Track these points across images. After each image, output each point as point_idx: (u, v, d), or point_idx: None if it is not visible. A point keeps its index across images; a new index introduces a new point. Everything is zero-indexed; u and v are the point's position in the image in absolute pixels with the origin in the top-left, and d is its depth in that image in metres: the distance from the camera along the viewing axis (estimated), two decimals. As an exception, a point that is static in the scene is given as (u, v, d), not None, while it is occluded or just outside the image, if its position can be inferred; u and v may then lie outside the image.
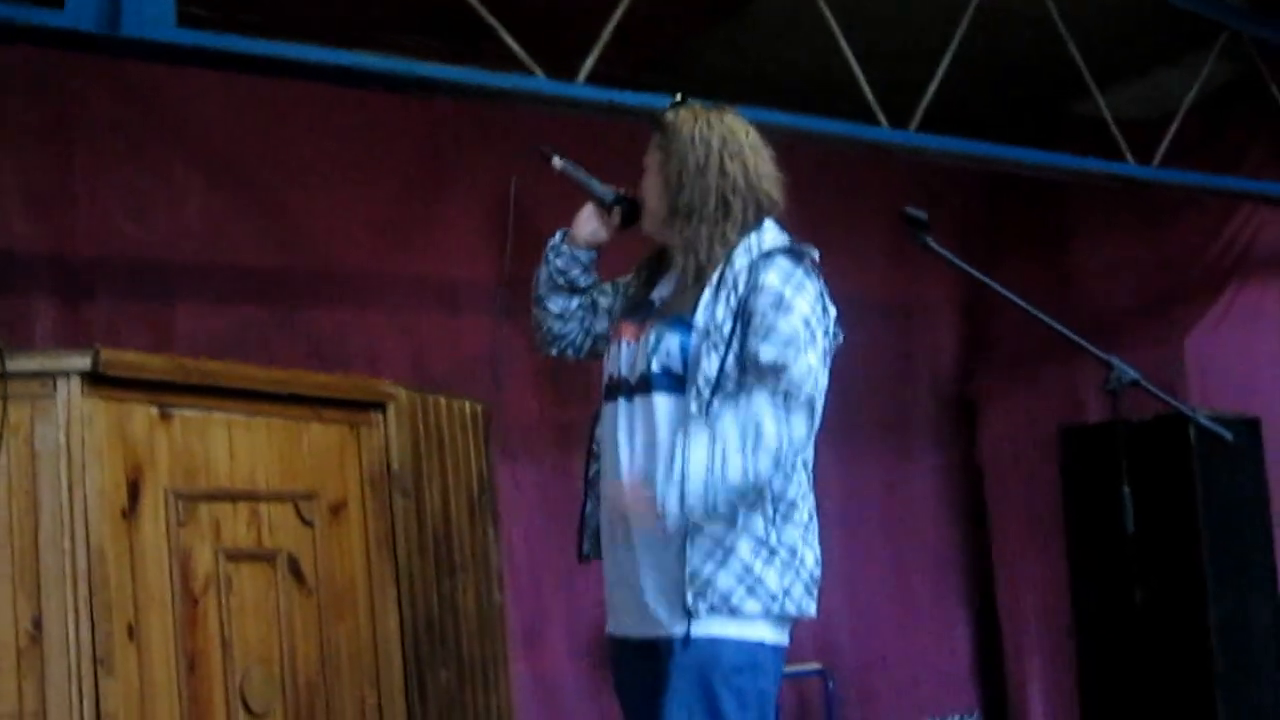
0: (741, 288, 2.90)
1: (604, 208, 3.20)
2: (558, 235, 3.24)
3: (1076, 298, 6.83)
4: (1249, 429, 6.10)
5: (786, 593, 2.87)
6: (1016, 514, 6.98)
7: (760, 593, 2.84)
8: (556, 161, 3.23)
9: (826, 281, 2.99)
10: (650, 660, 2.93)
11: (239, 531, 3.32)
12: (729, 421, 2.80)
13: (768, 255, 2.93)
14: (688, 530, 2.84)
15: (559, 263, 3.22)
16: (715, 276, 2.94)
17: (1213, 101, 6.24)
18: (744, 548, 2.85)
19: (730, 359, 2.88)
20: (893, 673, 6.91)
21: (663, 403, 2.94)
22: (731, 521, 2.83)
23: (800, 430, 2.81)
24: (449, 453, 4.10)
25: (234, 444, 3.33)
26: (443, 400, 4.10)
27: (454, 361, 5.52)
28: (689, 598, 2.82)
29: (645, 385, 2.97)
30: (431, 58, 4.37)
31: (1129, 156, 5.71)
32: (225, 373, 3.36)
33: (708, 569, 2.83)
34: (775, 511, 2.88)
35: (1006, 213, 7.30)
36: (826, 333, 2.93)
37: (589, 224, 3.22)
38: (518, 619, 5.44)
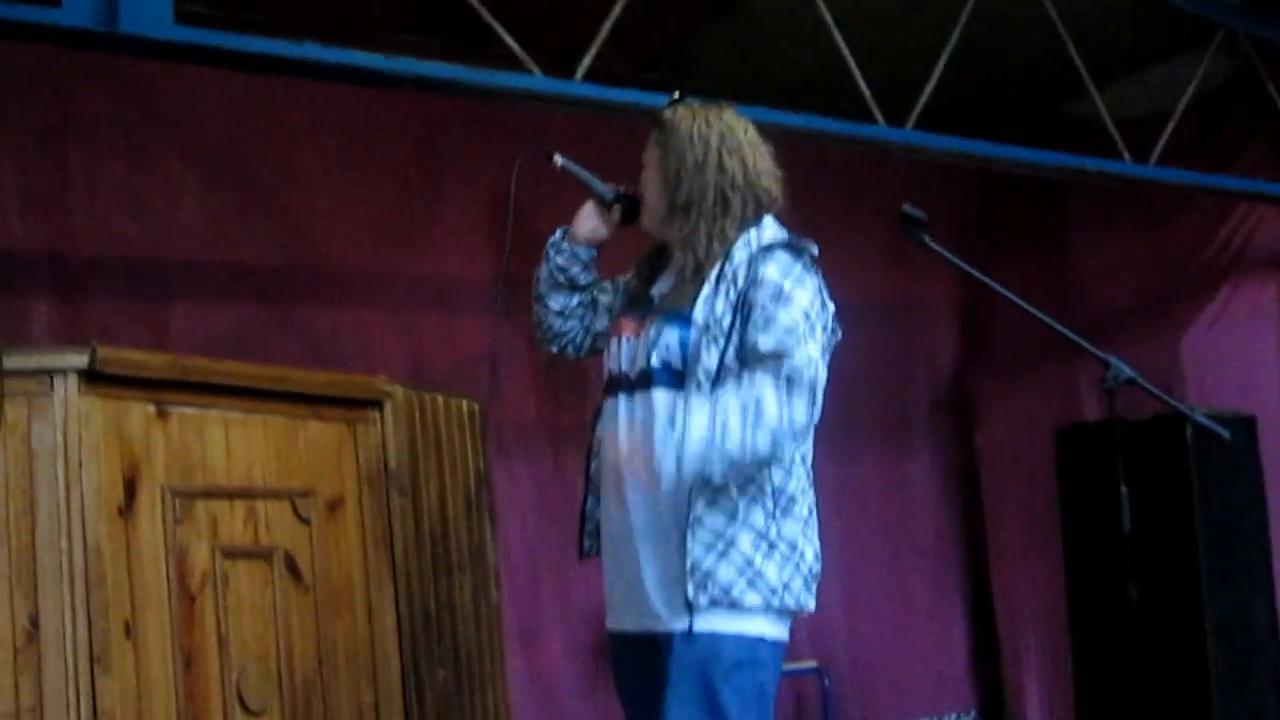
0: (741, 281, 2.91)
1: (604, 205, 3.22)
2: (558, 233, 3.25)
3: (1073, 297, 6.82)
4: (1246, 427, 6.10)
5: (786, 586, 2.88)
6: (1014, 513, 6.98)
7: (760, 586, 2.85)
8: (558, 159, 3.24)
9: (825, 280, 3.00)
10: (650, 656, 2.94)
11: (236, 529, 3.32)
12: (730, 396, 2.81)
13: (767, 249, 2.95)
14: (688, 522, 2.85)
15: (559, 260, 3.23)
16: (715, 271, 2.96)
17: (1209, 100, 6.24)
18: (744, 541, 2.86)
19: (730, 352, 2.89)
20: (889, 671, 6.91)
21: (662, 398, 2.95)
22: (725, 494, 2.84)
23: (800, 414, 2.81)
24: (446, 451, 4.10)
25: (231, 442, 3.34)
26: (440, 399, 4.10)
27: (451, 360, 5.52)
28: (690, 590, 2.83)
29: (645, 380, 2.98)
30: (430, 56, 4.37)
31: (1126, 155, 5.71)
32: (222, 371, 3.36)
33: (709, 561, 2.84)
34: (775, 505, 2.89)
35: (1004, 212, 7.30)
36: (825, 328, 2.94)
37: (589, 221, 3.23)
38: (514, 617, 5.44)
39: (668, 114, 3.11)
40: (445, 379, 5.04)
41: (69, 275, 4.85)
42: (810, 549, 2.96)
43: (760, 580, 2.85)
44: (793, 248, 2.96)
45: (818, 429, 3.05)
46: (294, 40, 3.95)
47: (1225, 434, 3.51)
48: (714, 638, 2.85)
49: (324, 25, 4.63)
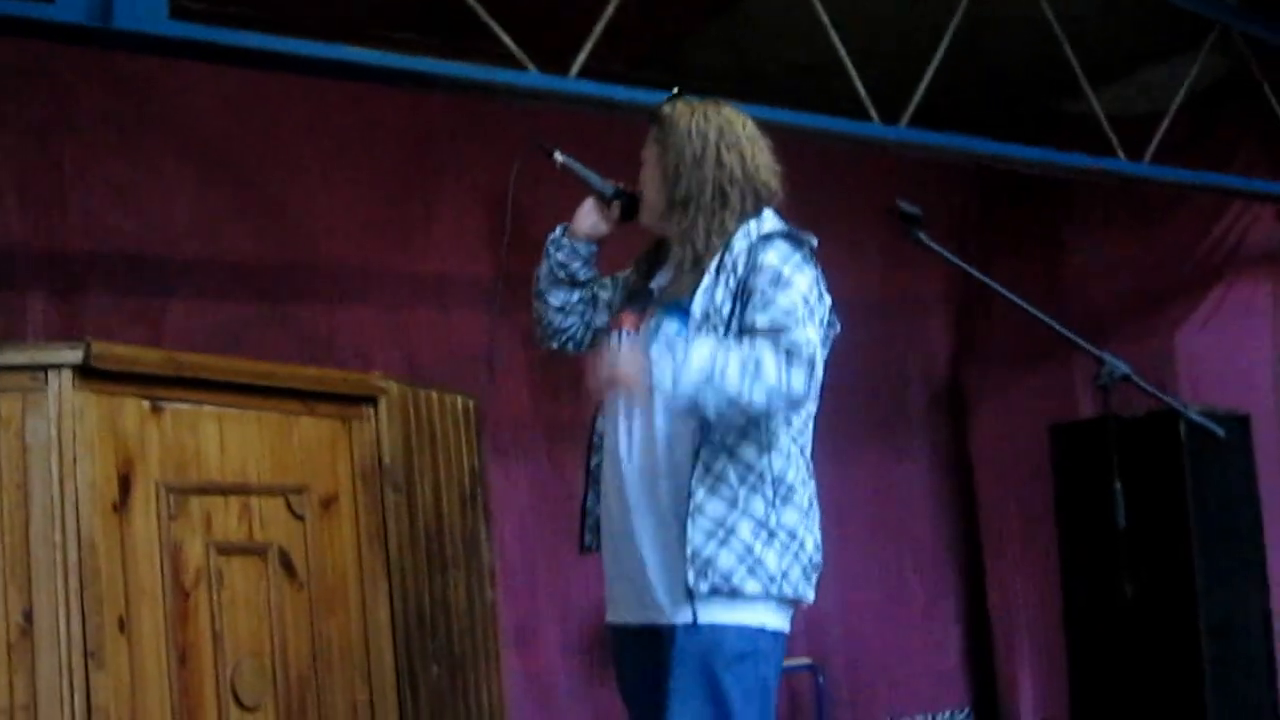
0: (741, 269, 2.93)
1: (604, 201, 3.23)
2: (558, 229, 3.26)
3: (1068, 294, 6.83)
4: (1239, 425, 6.11)
5: (785, 575, 2.89)
6: (1008, 510, 6.99)
7: (760, 573, 2.86)
8: (558, 156, 3.25)
9: (822, 274, 3.01)
10: (651, 648, 2.95)
11: (230, 525, 3.32)
12: (732, 350, 2.81)
13: (767, 237, 2.97)
14: (688, 510, 2.86)
15: (560, 256, 3.24)
16: (714, 262, 2.97)
17: (1204, 98, 6.24)
18: (745, 528, 2.87)
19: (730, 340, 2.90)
20: (884, 668, 6.91)
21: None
22: (705, 414, 2.82)
23: (798, 384, 2.80)
24: (441, 447, 4.10)
25: (225, 437, 3.34)
26: (435, 395, 4.10)
27: (446, 357, 5.52)
28: (690, 577, 2.84)
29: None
30: (425, 53, 4.37)
31: (1120, 153, 5.71)
32: (216, 366, 3.36)
33: (709, 549, 2.85)
34: (775, 494, 2.90)
35: (999, 210, 7.30)
36: (824, 320, 2.95)
37: (589, 218, 3.24)
38: (509, 614, 5.44)
39: (666, 110, 3.12)
40: (440, 375, 5.04)
41: (64, 271, 4.85)
42: (810, 539, 2.97)
43: (760, 568, 2.86)
44: (792, 238, 2.98)
45: (815, 424, 3.06)
46: (289, 36, 3.95)
47: (1220, 431, 3.52)
48: (715, 629, 2.86)
49: (320, 22, 4.63)
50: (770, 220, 3.05)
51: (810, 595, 2.98)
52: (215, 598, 3.25)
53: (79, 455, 2.98)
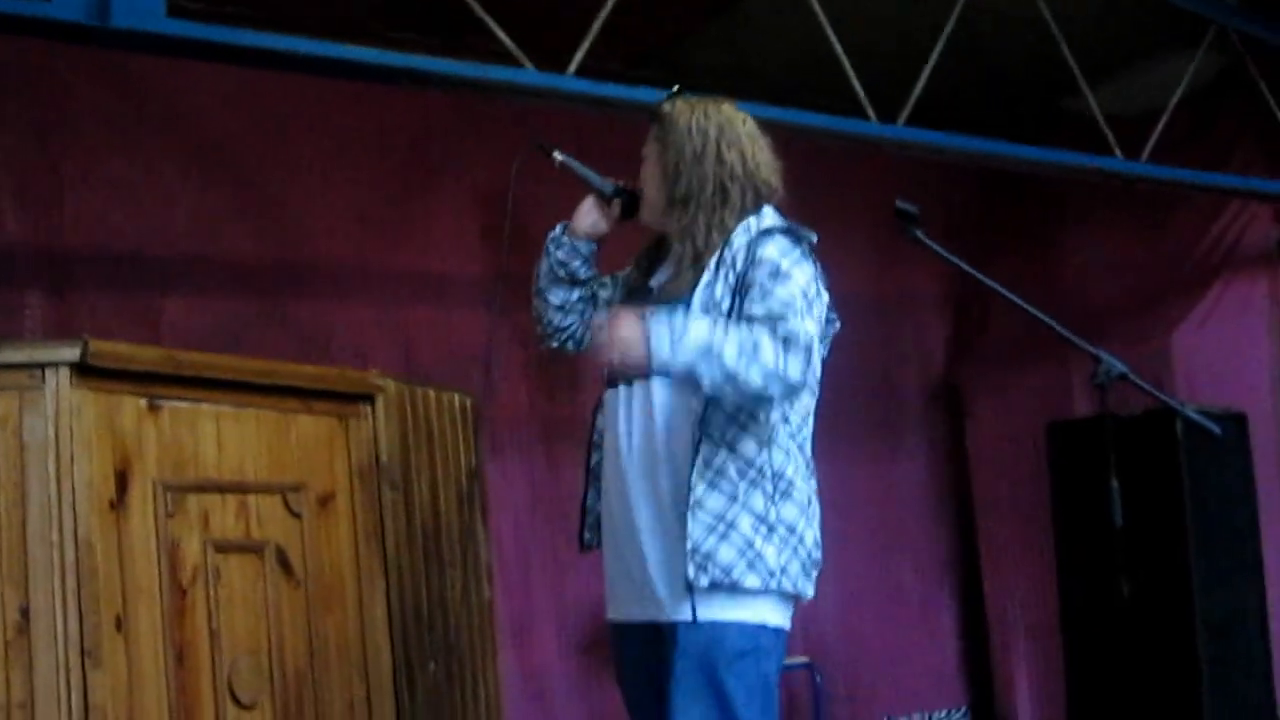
0: (740, 264, 2.94)
1: (604, 200, 3.23)
2: (558, 228, 3.27)
3: (1065, 293, 6.83)
4: (1236, 424, 6.12)
5: (784, 570, 2.90)
6: (1005, 508, 6.99)
7: (760, 568, 2.87)
8: (557, 155, 3.26)
9: (822, 271, 3.02)
10: (652, 645, 2.96)
11: (227, 523, 3.32)
12: (731, 329, 2.82)
13: (766, 232, 2.98)
14: (688, 504, 2.86)
15: (560, 254, 3.24)
16: (714, 259, 2.97)
17: (1201, 97, 6.25)
18: (744, 523, 2.87)
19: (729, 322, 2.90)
20: (881, 667, 6.92)
21: (662, 386, 2.97)
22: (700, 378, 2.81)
23: (795, 371, 2.80)
24: (438, 445, 4.10)
25: (222, 435, 3.34)
26: (432, 393, 4.10)
27: (443, 354, 5.52)
28: (690, 571, 2.84)
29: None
30: (423, 51, 4.37)
31: (1118, 152, 5.71)
32: (214, 364, 3.36)
33: (709, 543, 2.85)
34: (775, 489, 2.91)
35: (996, 209, 7.31)
36: (822, 316, 2.95)
37: (589, 216, 3.25)
38: (506, 612, 5.44)
39: (666, 108, 3.13)
40: (438, 374, 5.05)
41: (61, 269, 4.85)
42: (810, 534, 2.98)
43: (760, 562, 2.87)
44: (792, 233, 2.99)
45: (815, 421, 3.07)
46: (287, 34, 3.95)
47: (1216, 430, 3.52)
48: (716, 626, 2.87)
49: (318, 20, 4.63)
50: (770, 216, 3.06)
51: (809, 591, 2.98)
52: (212, 596, 3.25)
53: (76, 453, 2.98)
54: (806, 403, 3.02)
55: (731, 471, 2.88)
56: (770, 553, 2.88)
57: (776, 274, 2.89)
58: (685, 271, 3.02)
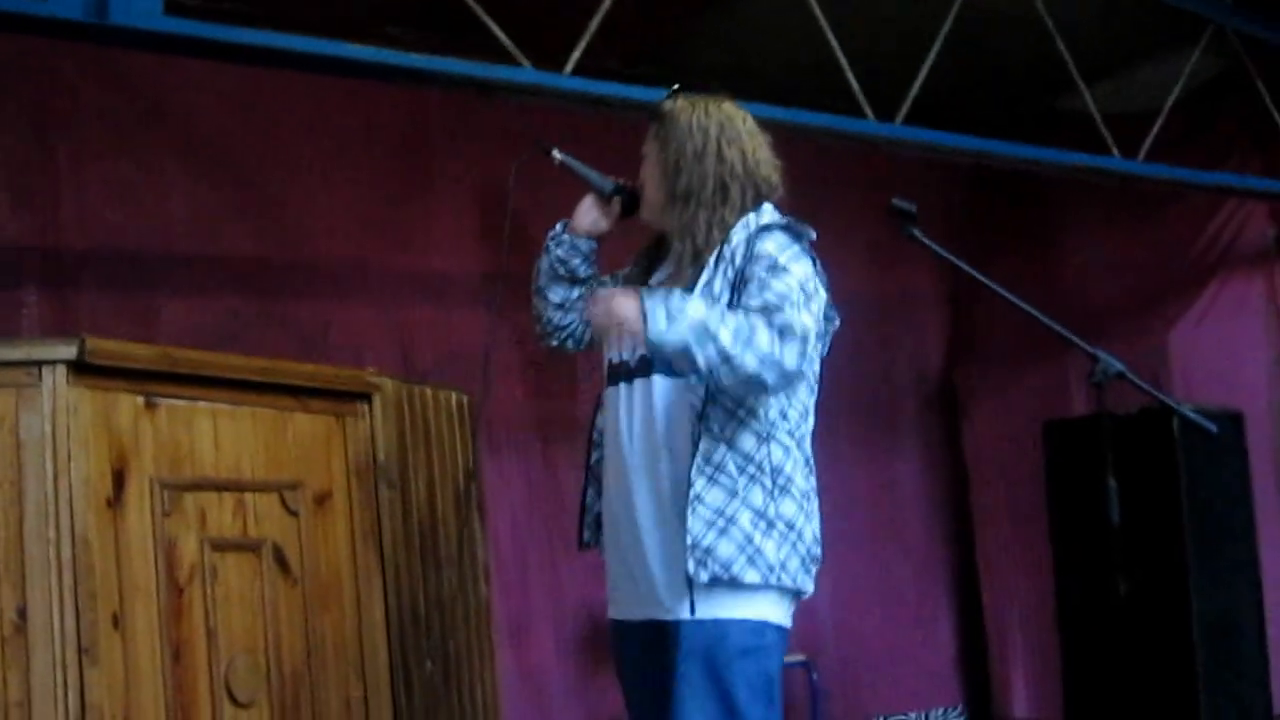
0: (739, 260, 2.94)
1: (604, 198, 3.23)
2: (558, 226, 3.27)
3: (1062, 292, 6.84)
4: (1233, 423, 6.12)
5: (783, 565, 2.90)
6: (1001, 507, 7.00)
7: (760, 563, 2.87)
8: (556, 154, 3.26)
9: (821, 269, 3.02)
10: (654, 643, 2.96)
11: (224, 521, 3.31)
12: (728, 314, 2.81)
13: (766, 228, 2.98)
14: (688, 499, 2.86)
15: (560, 252, 3.24)
16: (714, 256, 2.97)
17: (1198, 96, 6.25)
18: (744, 518, 2.87)
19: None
20: (877, 666, 6.92)
21: (662, 383, 2.97)
22: (694, 363, 2.79)
23: (791, 360, 2.79)
24: (435, 444, 4.10)
25: (219, 434, 3.33)
26: (429, 391, 4.10)
27: (441, 353, 5.53)
28: (690, 567, 2.84)
29: (645, 368, 3.02)
30: (419, 49, 4.37)
31: (1115, 151, 5.72)
32: (211, 362, 3.35)
33: (709, 538, 2.85)
34: (774, 484, 2.91)
35: (993, 208, 7.31)
36: (821, 314, 2.95)
37: (589, 214, 3.25)
38: (503, 611, 5.45)
39: (667, 106, 3.13)
40: (435, 372, 5.05)
41: (58, 267, 4.85)
42: (810, 530, 2.98)
43: (760, 557, 2.87)
44: (791, 229, 2.99)
45: (815, 418, 3.07)
46: (285, 32, 3.95)
47: (1213, 429, 3.52)
48: (719, 624, 2.87)
49: (316, 18, 4.63)
50: (769, 213, 3.06)
51: (809, 587, 2.99)
52: (209, 594, 3.24)
53: (73, 451, 2.97)
54: (805, 399, 3.02)
55: (731, 467, 2.89)
56: (770, 548, 2.89)
57: (774, 268, 2.89)
58: (685, 269, 3.02)
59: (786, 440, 2.95)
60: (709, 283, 2.96)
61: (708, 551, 2.85)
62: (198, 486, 3.26)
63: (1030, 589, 6.71)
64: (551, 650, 5.87)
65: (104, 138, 4.95)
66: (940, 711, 7.16)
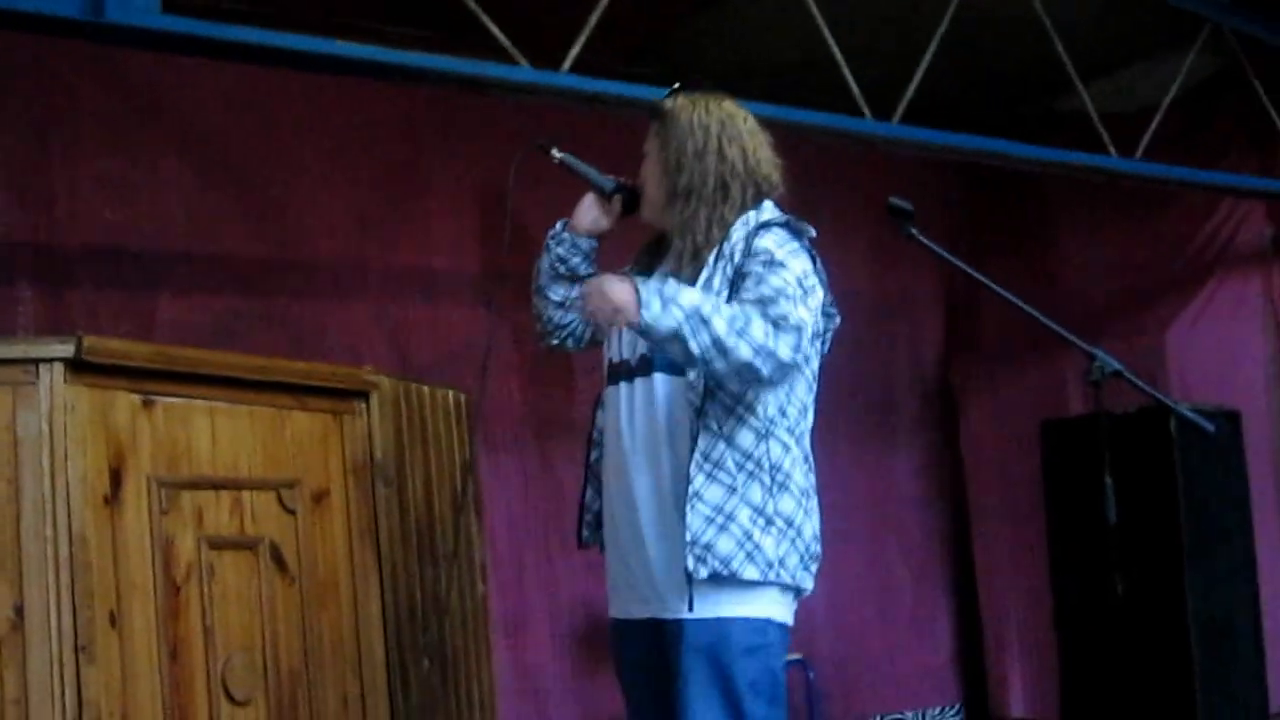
0: (738, 257, 2.94)
1: (604, 197, 3.22)
2: (559, 224, 3.27)
3: (1059, 291, 6.85)
4: (1230, 421, 6.13)
5: (781, 562, 2.90)
6: (998, 506, 7.00)
7: (758, 559, 2.87)
8: (556, 153, 3.25)
9: (823, 267, 3.02)
10: (655, 643, 2.96)
11: (221, 519, 3.31)
12: (723, 304, 2.81)
13: (765, 225, 2.98)
14: (686, 496, 2.87)
15: (560, 251, 3.24)
16: (713, 254, 2.97)
17: (1195, 95, 6.26)
18: (743, 515, 2.88)
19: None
20: (874, 664, 6.93)
21: (663, 382, 2.97)
22: (687, 354, 2.78)
23: (785, 351, 2.79)
24: (432, 442, 4.09)
25: (216, 432, 3.33)
26: (426, 390, 4.10)
27: (438, 352, 5.52)
28: (689, 563, 2.85)
29: (646, 366, 3.02)
30: (416, 47, 4.37)
31: (1112, 150, 5.72)
32: (208, 360, 3.35)
33: (708, 534, 2.85)
34: (773, 481, 2.91)
35: (990, 207, 7.32)
36: (820, 310, 2.95)
37: (590, 213, 3.25)
38: (500, 609, 5.45)
39: (668, 104, 3.13)
40: (432, 371, 5.05)
41: (54, 265, 4.84)
42: (809, 527, 2.98)
43: (758, 553, 2.87)
44: (791, 227, 2.99)
45: (815, 415, 3.07)
46: (282, 30, 3.94)
47: (1210, 428, 3.52)
48: (721, 623, 2.88)
49: (311, 15, 4.63)
50: (769, 210, 3.06)
51: (809, 584, 2.99)
52: (206, 592, 3.24)
53: (70, 449, 2.97)
54: (804, 396, 3.02)
55: (730, 464, 2.89)
56: (768, 544, 2.89)
57: (770, 263, 2.89)
58: (685, 267, 3.01)
59: (785, 437, 2.96)
60: (708, 280, 2.96)
61: (707, 548, 2.85)
62: (195, 485, 3.25)
63: (1027, 588, 6.71)
64: (548, 648, 5.87)
65: (100, 135, 4.94)
66: (937, 710, 7.16)
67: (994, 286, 3.40)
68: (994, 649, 7.05)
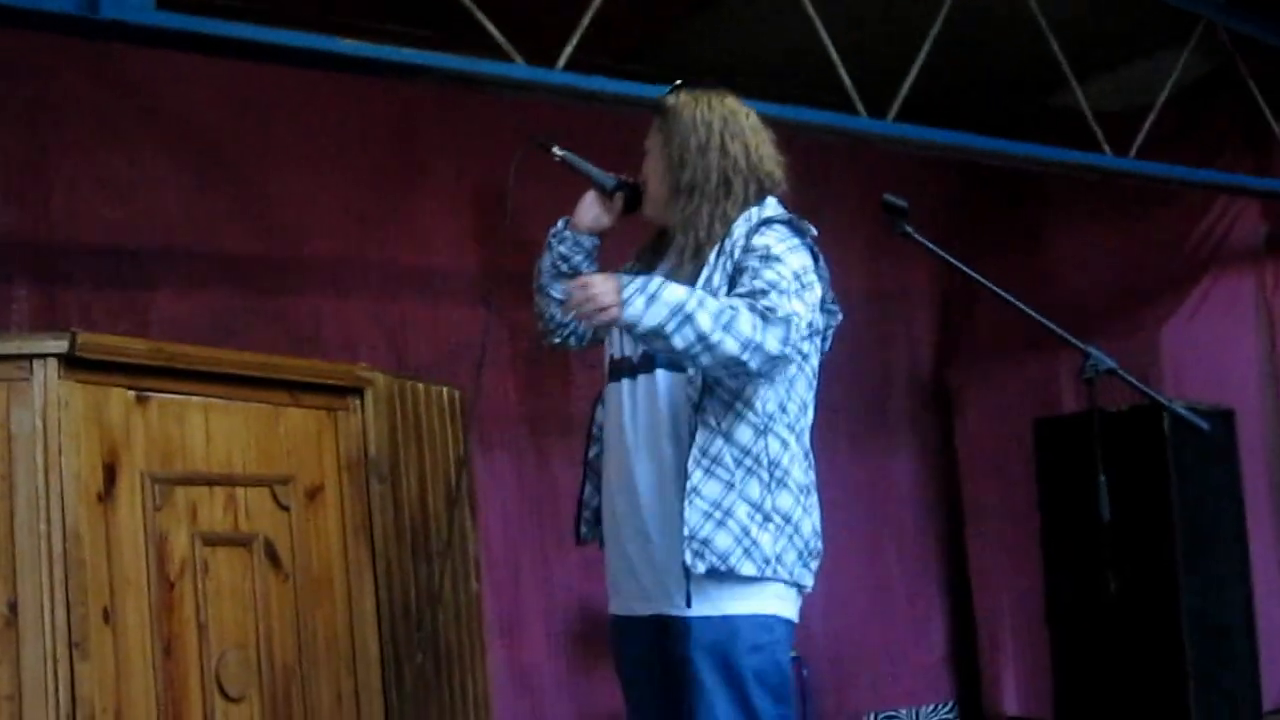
0: (738, 253, 2.94)
1: (605, 194, 3.22)
2: (560, 223, 3.26)
3: (1053, 289, 6.85)
4: (1224, 420, 6.13)
5: (779, 558, 2.90)
6: (992, 503, 7.00)
7: (756, 556, 2.87)
8: (557, 151, 3.24)
9: (826, 265, 3.03)
10: (658, 639, 2.96)
11: (215, 515, 3.31)
12: (710, 298, 2.81)
13: (766, 221, 2.97)
14: (685, 491, 2.87)
15: (562, 249, 3.24)
16: (715, 250, 2.97)
17: (1190, 94, 6.27)
18: (741, 511, 2.88)
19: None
20: (868, 662, 6.93)
21: (665, 378, 2.98)
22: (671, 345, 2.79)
23: (773, 344, 2.79)
24: (426, 439, 4.09)
25: (211, 428, 3.33)
26: (420, 387, 4.09)
27: (432, 349, 5.53)
28: (688, 557, 2.85)
29: (648, 362, 3.02)
30: (412, 44, 4.37)
31: (1106, 148, 5.73)
32: (202, 357, 3.35)
33: (706, 529, 2.86)
34: (771, 478, 2.91)
35: (985, 205, 7.32)
36: (819, 306, 2.95)
37: (591, 210, 3.24)
38: (495, 607, 5.45)
39: (670, 100, 3.13)
40: (427, 368, 5.05)
41: (49, 261, 4.84)
42: (808, 524, 2.98)
43: (756, 550, 2.88)
44: (792, 224, 2.99)
45: (815, 413, 3.07)
46: (277, 27, 3.94)
47: (1204, 425, 3.52)
48: (728, 620, 2.88)
49: (306, 12, 4.62)
50: (772, 207, 3.06)
51: (808, 581, 2.99)
52: (200, 588, 3.24)
53: (64, 445, 2.97)
54: (804, 393, 3.02)
55: (728, 459, 2.89)
56: (766, 541, 2.89)
57: (767, 257, 2.89)
58: (686, 263, 3.01)
59: (785, 434, 2.96)
60: (709, 276, 2.95)
61: (705, 543, 2.85)
62: (189, 481, 3.25)
63: (1021, 585, 6.72)
64: (543, 647, 5.87)
65: (95, 132, 4.94)
66: (931, 708, 7.17)
67: (988, 284, 3.41)
68: (988, 646, 7.05)
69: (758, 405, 2.93)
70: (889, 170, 6.10)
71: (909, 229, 3.22)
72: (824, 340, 3.10)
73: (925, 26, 5.19)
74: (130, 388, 3.15)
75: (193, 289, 5.11)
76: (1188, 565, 5.80)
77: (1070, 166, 5.77)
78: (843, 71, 5.00)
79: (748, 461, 2.90)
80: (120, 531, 3.07)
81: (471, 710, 4.20)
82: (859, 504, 6.84)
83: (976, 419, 7.16)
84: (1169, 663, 5.74)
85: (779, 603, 2.94)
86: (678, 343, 2.75)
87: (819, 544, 3.03)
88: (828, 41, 4.95)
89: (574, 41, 4.44)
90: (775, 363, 2.83)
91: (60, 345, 2.97)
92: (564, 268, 3.24)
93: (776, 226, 2.97)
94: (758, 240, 2.93)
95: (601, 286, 2.80)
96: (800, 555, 2.95)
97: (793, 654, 5.58)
